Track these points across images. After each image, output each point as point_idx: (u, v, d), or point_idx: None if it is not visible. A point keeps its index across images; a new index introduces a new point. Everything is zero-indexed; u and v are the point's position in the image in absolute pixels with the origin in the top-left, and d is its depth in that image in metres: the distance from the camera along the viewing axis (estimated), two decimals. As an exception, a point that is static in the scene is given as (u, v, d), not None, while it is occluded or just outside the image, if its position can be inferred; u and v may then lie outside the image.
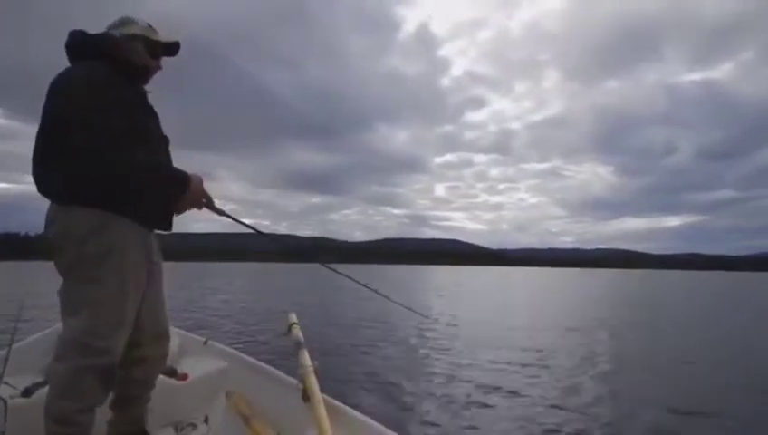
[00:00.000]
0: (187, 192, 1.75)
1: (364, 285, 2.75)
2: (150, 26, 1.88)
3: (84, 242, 1.63)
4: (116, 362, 1.68)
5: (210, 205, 1.89)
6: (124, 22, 1.84)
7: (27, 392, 2.13)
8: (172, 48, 1.94)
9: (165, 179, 1.71)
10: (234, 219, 2.09)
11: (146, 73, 1.87)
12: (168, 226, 1.94)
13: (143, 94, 1.87)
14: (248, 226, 2.19)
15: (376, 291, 2.84)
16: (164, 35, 1.91)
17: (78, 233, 1.63)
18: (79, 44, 1.74)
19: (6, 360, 2.16)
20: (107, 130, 1.53)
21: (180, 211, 1.90)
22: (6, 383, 2.11)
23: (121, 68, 1.75)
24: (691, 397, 5.01)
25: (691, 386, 5.52)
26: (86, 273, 1.64)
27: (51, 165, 1.64)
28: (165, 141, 1.98)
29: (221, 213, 1.97)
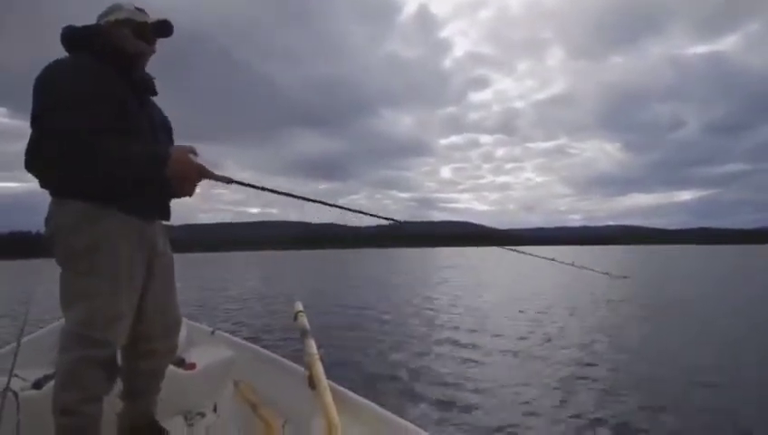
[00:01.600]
0: (169, 166, 1.63)
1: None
2: (139, 9, 1.83)
3: (73, 235, 1.64)
4: (116, 352, 1.69)
5: (208, 174, 1.74)
6: (112, 9, 1.81)
7: (38, 385, 2.16)
8: (164, 28, 1.87)
9: (138, 163, 1.62)
10: (247, 185, 1.86)
11: (137, 59, 1.83)
12: (165, 214, 1.92)
13: (138, 81, 1.83)
14: (269, 189, 1.91)
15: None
16: (152, 16, 1.86)
17: (67, 226, 1.65)
18: (68, 38, 1.74)
19: (16, 352, 2.18)
20: (72, 121, 1.53)
21: (177, 191, 1.81)
22: (17, 376, 2.14)
23: (109, 57, 1.73)
24: (707, 371, 4.99)
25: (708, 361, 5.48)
26: (77, 266, 1.66)
27: (38, 159, 1.64)
28: (163, 129, 1.95)
29: (227, 180, 1.78)
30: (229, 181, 1.78)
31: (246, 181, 1.86)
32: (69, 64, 1.67)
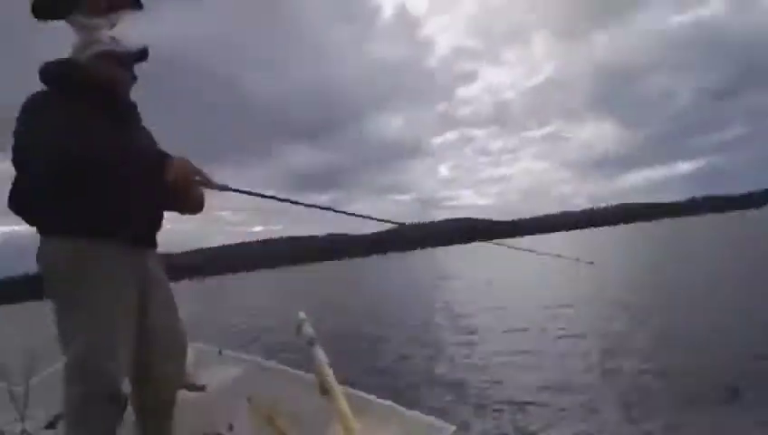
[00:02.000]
0: (168, 172, 1.60)
1: None
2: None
3: (61, 271, 1.65)
4: (118, 384, 1.67)
5: (207, 182, 1.71)
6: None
7: (51, 425, 2.15)
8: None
9: (135, 160, 1.62)
10: (237, 190, 1.77)
11: (115, 86, 1.82)
12: (153, 242, 1.91)
13: (117, 110, 1.83)
14: (272, 197, 1.88)
15: None
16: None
17: (55, 262, 1.66)
18: (45, 75, 1.73)
19: (26, 394, 2.17)
20: (53, 152, 1.53)
21: (179, 200, 1.81)
22: (30, 418, 2.13)
23: (90, 91, 1.73)
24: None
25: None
26: (67, 300, 1.66)
27: (22, 194, 1.65)
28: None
29: (223, 188, 1.73)
30: (227, 189, 1.73)
31: (244, 189, 1.79)
32: (47, 97, 1.67)
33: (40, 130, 1.57)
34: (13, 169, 1.65)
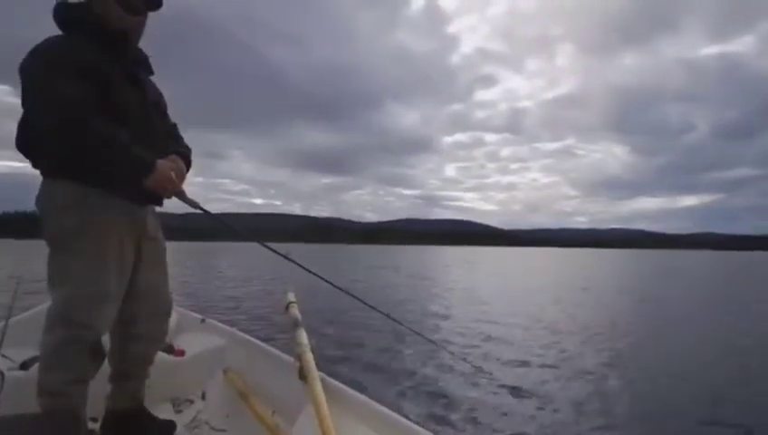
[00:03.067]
0: (149, 178, 1.62)
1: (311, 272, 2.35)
2: None
3: (61, 215, 1.63)
4: (100, 335, 1.68)
5: (180, 195, 1.76)
6: None
7: (25, 365, 2.14)
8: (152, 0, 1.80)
9: (121, 159, 1.59)
10: (205, 211, 1.91)
11: (126, 35, 1.77)
12: (158, 200, 1.89)
13: (129, 59, 1.79)
14: (217, 218, 2.04)
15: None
16: None
17: (56, 206, 1.64)
18: (58, 17, 1.70)
19: (4, 333, 2.16)
20: (56, 99, 1.50)
21: (148, 194, 1.78)
22: (4, 356, 2.12)
23: (98, 34, 1.69)
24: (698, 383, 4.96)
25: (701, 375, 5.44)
26: (64, 246, 1.64)
27: (30, 138, 1.65)
28: (156, 109, 1.90)
29: (193, 205, 1.82)
30: (194, 205, 1.82)
31: (199, 204, 1.86)
32: (56, 42, 1.63)
33: (50, 78, 1.53)
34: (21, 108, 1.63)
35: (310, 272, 2.31)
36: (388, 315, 2.66)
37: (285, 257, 2.23)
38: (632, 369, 5.26)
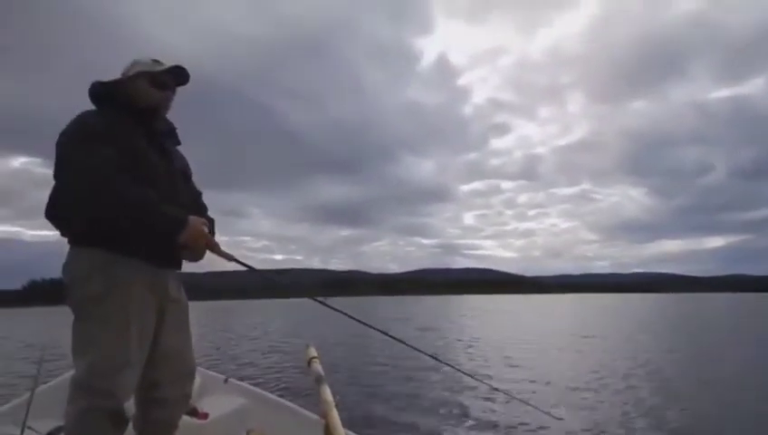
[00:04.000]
0: (183, 234, 1.69)
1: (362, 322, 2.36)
2: (156, 61, 1.90)
3: (85, 282, 1.68)
4: (122, 403, 1.68)
5: (215, 249, 1.82)
6: (132, 65, 1.89)
7: None
8: (179, 74, 1.93)
9: (156, 217, 1.65)
10: (242, 264, 1.93)
11: (153, 109, 1.89)
12: (177, 263, 1.92)
13: (157, 133, 1.89)
14: (253, 268, 1.99)
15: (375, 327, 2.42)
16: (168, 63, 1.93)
17: (80, 273, 1.69)
18: (93, 94, 1.83)
19: (29, 403, 2.16)
20: (91, 166, 1.57)
21: (185, 256, 1.89)
22: (30, 428, 2.11)
23: (128, 109, 1.80)
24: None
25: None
26: (87, 313, 1.68)
27: (58, 206, 1.73)
28: (182, 178, 1.98)
29: (229, 258, 1.85)
30: (230, 258, 1.85)
31: (236, 257, 1.89)
32: (88, 116, 1.74)
33: (80, 148, 1.62)
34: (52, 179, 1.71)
35: (365, 324, 2.28)
36: (434, 357, 2.58)
37: (344, 314, 2.24)
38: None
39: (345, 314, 2.25)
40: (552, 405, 5.43)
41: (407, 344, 2.43)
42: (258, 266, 2.00)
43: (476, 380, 3.37)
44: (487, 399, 5.86)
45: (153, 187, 1.70)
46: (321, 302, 2.24)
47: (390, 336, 2.36)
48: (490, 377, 7.02)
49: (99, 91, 1.83)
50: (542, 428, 4.60)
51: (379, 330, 2.35)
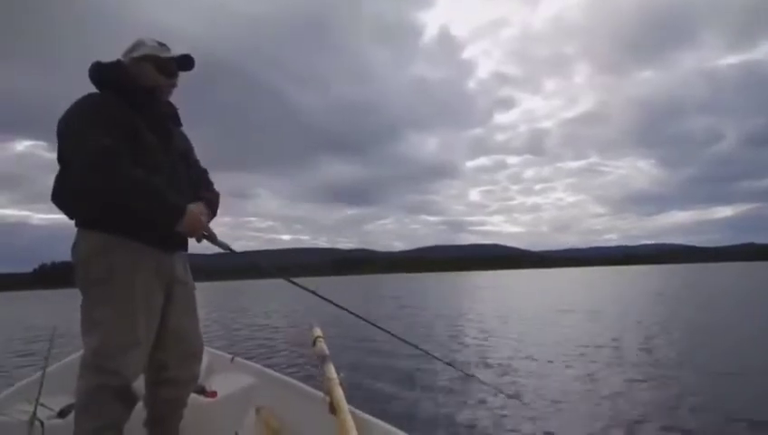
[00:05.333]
0: (181, 223, 1.73)
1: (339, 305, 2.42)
2: (161, 44, 1.89)
3: (91, 264, 1.71)
4: (129, 382, 1.71)
5: (211, 238, 1.87)
6: (135, 45, 1.88)
7: (63, 413, 2.19)
8: (185, 62, 1.93)
9: (157, 204, 1.68)
10: (233, 252, 1.99)
11: (155, 94, 1.88)
12: (184, 245, 1.95)
13: (157, 114, 1.88)
14: (246, 256, 2.07)
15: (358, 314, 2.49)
16: (175, 51, 1.92)
17: (87, 255, 1.72)
18: (94, 75, 1.82)
19: (42, 382, 2.22)
20: (94, 148, 1.58)
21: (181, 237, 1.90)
22: (43, 405, 2.17)
23: (128, 92, 1.79)
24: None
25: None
26: (94, 294, 1.71)
27: (64, 190, 1.74)
28: (183, 160, 1.99)
29: (223, 246, 1.92)
30: (224, 247, 1.92)
31: (229, 245, 1.96)
32: (89, 99, 1.74)
33: (83, 131, 1.63)
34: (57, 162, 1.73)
35: (338, 306, 2.35)
36: (416, 346, 2.68)
37: (313, 293, 2.28)
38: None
39: (317, 294, 2.32)
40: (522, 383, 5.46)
41: (379, 327, 2.56)
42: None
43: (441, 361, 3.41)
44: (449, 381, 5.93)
45: (154, 170, 1.71)
46: (292, 282, 2.35)
47: (365, 320, 2.47)
48: (457, 360, 7.10)
49: (100, 73, 1.82)
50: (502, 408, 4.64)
51: (354, 314, 2.43)
